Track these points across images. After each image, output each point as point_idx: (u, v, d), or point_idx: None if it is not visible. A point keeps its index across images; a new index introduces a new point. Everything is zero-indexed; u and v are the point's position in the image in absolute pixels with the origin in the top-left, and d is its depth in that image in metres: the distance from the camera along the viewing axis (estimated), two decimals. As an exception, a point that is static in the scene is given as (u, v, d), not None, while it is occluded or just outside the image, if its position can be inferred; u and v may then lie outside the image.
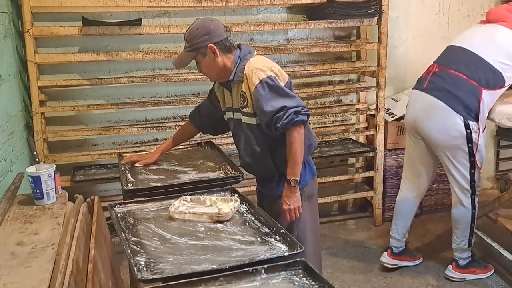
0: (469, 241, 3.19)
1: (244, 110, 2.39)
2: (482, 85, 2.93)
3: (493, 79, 2.95)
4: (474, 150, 2.99)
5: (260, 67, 2.32)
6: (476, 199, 3.14)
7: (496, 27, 3.03)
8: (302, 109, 2.28)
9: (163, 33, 3.44)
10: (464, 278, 3.25)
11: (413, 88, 3.23)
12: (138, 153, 2.90)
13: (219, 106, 2.62)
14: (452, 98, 2.95)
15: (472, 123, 2.94)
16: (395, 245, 3.42)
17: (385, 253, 3.44)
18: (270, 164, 2.44)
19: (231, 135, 2.66)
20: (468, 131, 2.94)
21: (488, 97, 2.96)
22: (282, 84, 2.32)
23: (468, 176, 3.07)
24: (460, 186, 3.11)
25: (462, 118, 2.93)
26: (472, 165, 3.04)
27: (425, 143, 3.16)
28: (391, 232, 3.44)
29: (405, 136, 3.38)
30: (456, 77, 2.98)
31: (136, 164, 2.60)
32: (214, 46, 2.32)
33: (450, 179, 3.17)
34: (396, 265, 3.42)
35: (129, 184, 2.33)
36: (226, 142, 3.54)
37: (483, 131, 3.01)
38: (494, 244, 3.34)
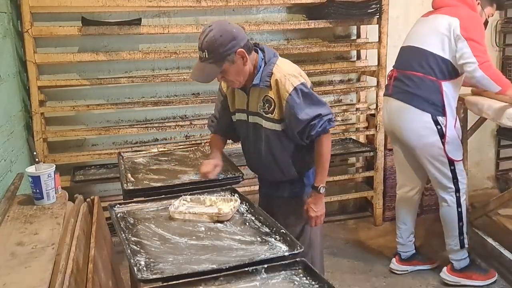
0: (460, 241, 3.12)
1: (268, 115, 2.29)
2: (439, 77, 2.92)
3: (447, 69, 2.93)
4: (445, 143, 2.96)
5: (292, 73, 2.25)
6: (463, 197, 3.10)
7: (436, 16, 3.02)
8: (333, 117, 2.29)
9: (163, 33, 3.44)
10: (459, 283, 3.16)
11: (383, 95, 3.30)
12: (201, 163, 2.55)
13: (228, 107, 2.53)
14: (415, 98, 2.96)
15: (441, 118, 2.94)
16: (402, 250, 3.37)
17: (394, 259, 3.39)
18: (290, 169, 2.40)
19: (238, 134, 2.59)
20: (439, 126, 2.94)
21: (450, 88, 2.95)
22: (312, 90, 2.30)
23: (449, 173, 3.04)
24: (441, 185, 3.08)
25: (429, 115, 2.93)
26: (451, 162, 3.01)
27: (404, 144, 3.15)
28: (396, 238, 3.40)
29: None
30: (414, 76, 2.98)
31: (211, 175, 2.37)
32: (243, 50, 2.17)
33: (432, 180, 3.16)
34: (407, 270, 3.35)
35: (129, 184, 2.33)
36: (227, 141, 3.53)
37: (454, 124, 2.98)
38: (495, 244, 3.30)
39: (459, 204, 3.09)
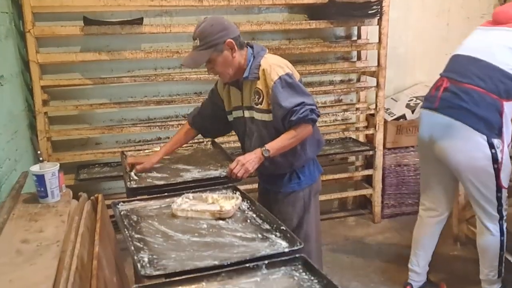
0: (499, 271, 2.85)
1: (258, 106, 2.37)
2: (502, 96, 2.59)
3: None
4: (499, 170, 2.66)
5: (278, 63, 2.33)
6: (505, 224, 2.80)
7: (508, 30, 2.70)
8: (316, 109, 2.32)
9: (165, 32, 3.46)
10: None
11: (422, 107, 2.91)
12: (140, 155, 2.85)
13: (222, 107, 2.60)
14: (471, 116, 2.61)
15: (496, 141, 2.62)
16: (415, 279, 3.09)
17: None
18: (283, 160, 2.42)
19: (236, 134, 2.66)
20: (493, 150, 2.62)
21: (509, 109, 2.64)
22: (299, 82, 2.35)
23: (495, 201, 2.73)
24: (486, 212, 2.77)
25: (485, 137, 2.60)
26: (499, 188, 2.70)
27: (443, 164, 2.81)
28: (410, 265, 3.10)
29: (405, 137, 3.26)
30: (472, 91, 2.62)
31: (135, 170, 2.49)
32: (233, 41, 2.29)
33: (474, 206, 2.83)
34: None
35: (132, 182, 2.36)
36: (228, 140, 3.56)
37: (508, 146, 2.69)
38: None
39: (502, 233, 2.80)
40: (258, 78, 2.34)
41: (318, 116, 2.33)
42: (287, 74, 2.30)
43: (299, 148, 2.41)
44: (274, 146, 2.32)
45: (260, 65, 2.34)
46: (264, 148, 2.31)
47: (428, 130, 2.81)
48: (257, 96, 2.37)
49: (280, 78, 2.28)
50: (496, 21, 2.80)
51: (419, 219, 3.11)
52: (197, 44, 2.28)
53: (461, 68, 2.75)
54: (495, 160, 2.64)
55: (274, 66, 2.31)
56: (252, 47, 2.42)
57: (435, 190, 2.98)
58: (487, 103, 2.60)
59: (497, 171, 2.66)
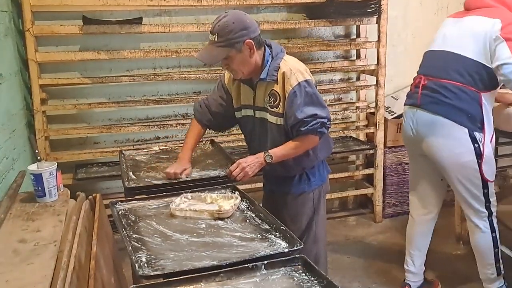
0: (497, 268, 2.82)
1: (273, 110, 2.33)
2: (480, 88, 2.60)
3: (488, 78, 2.60)
4: (482, 163, 2.66)
5: (299, 68, 2.29)
6: (495, 220, 2.79)
7: (474, 18, 2.66)
8: (327, 122, 2.29)
9: (164, 32, 3.46)
10: None
11: (405, 104, 2.90)
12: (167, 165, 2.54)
13: (230, 103, 2.55)
14: (453, 110, 2.62)
15: (478, 135, 2.62)
16: (412, 280, 3.06)
17: None
18: (294, 164, 2.40)
19: (242, 132, 2.63)
20: (476, 145, 2.62)
21: (488, 100, 2.65)
22: (316, 89, 2.31)
23: (482, 197, 2.73)
24: (474, 209, 2.76)
25: (466, 130, 2.61)
26: (485, 183, 2.70)
27: (430, 160, 2.82)
28: (406, 266, 3.09)
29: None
30: (451, 85, 2.63)
31: (184, 176, 2.37)
32: (252, 42, 2.23)
33: (462, 204, 2.85)
34: None
35: (130, 182, 2.34)
36: (227, 140, 3.56)
37: (490, 139, 2.69)
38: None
39: (493, 229, 2.78)
40: (276, 81, 2.29)
41: (328, 129, 2.32)
42: (306, 81, 2.26)
43: (312, 153, 2.39)
44: (277, 153, 2.31)
45: (279, 68, 2.29)
46: (267, 154, 2.30)
47: (412, 127, 2.80)
48: (273, 99, 2.32)
49: (299, 84, 2.23)
50: (468, 9, 2.78)
51: (410, 218, 3.10)
52: (215, 39, 2.21)
53: (437, 64, 2.75)
54: (478, 154, 2.64)
55: (295, 70, 2.26)
56: (270, 46, 2.36)
57: (424, 187, 2.97)
58: (467, 96, 2.60)
59: (480, 166, 2.66)
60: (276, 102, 2.31)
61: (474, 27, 2.63)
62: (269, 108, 2.34)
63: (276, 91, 2.30)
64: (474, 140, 2.62)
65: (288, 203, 2.49)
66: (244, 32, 2.20)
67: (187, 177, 2.35)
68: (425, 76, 2.77)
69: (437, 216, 3.05)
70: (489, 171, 2.71)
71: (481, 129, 2.63)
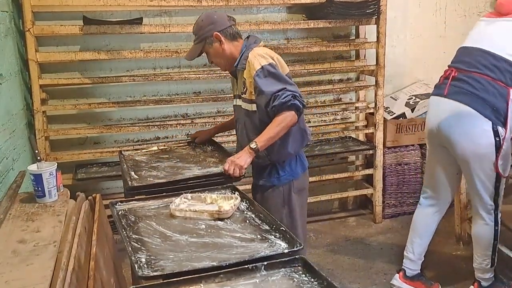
0: (492, 260, 2.91)
1: (243, 96, 2.47)
2: (509, 84, 2.67)
3: None
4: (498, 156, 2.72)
5: (262, 54, 2.38)
6: (499, 214, 2.86)
7: (509, 20, 2.78)
8: (299, 96, 2.32)
9: (164, 32, 3.46)
10: None
11: (432, 95, 2.97)
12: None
13: None
14: (479, 101, 2.68)
15: (501, 129, 2.68)
16: (409, 267, 3.13)
17: (397, 275, 3.17)
18: (262, 152, 2.41)
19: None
20: (497, 138, 2.68)
21: None
22: (282, 72, 2.38)
23: (493, 189, 2.80)
24: (482, 200, 2.83)
25: (490, 123, 2.66)
26: (498, 177, 2.77)
27: (449, 153, 2.88)
28: (405, 252, 3.16)
29: (405, 135, 3.28)
30: (481, 78, 2.71)
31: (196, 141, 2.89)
32: (219, 34, 2.43)
33: (471, 193, 2.90)
34: None
35: (133, 181, 2.34)
36: (227, 140, 3.56)
37: (510, 135, 2.75)
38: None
39: (496, 223, 2.85)
40: (245, 68, 2.42)
41: (303, 104, 2.33)
42: (270, 64, 2.34)
43: (278, 143, 2.41)
44: (261, 138, 2.34)
45: (247, 56, 2.42)
46: (251, 142, 2.35)
47: (436, 117, 2.87)
48: (242, 86, 2.45)
49: (262, 67, 2.33)
50: (499, 13, 2.87)
51: (418, 206, 3.16)
52: (194, 39, 2.53)
53: (469, 59, 2.82)
54: (498, 148, 2.70)
55: (258, 56, 2.37)
56: (248, 38, 2.52)
57: (439, 178, 3.03)
58: (495, 90, 2.68)
59: (497, 159, 2.72)
60: (245, 89, 2.43)
61: (508, 28, 2.77)
62: (241, 95, 2.49)
63: (244, 78, 2.42)
64: (496, 133, 2.68)
65: (258, 194, 2.58)
66: (211, 27, 2.44)
67: (196, 144, 2.88)
68: (456, 69, 2.84)
69: (443, 213, 3.11)
70: (504, 166, 2.77)
71: (504, 124, 2.69)
